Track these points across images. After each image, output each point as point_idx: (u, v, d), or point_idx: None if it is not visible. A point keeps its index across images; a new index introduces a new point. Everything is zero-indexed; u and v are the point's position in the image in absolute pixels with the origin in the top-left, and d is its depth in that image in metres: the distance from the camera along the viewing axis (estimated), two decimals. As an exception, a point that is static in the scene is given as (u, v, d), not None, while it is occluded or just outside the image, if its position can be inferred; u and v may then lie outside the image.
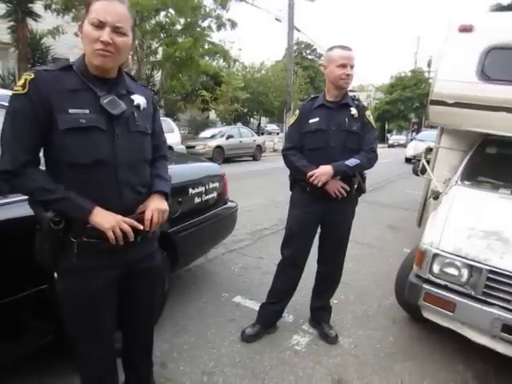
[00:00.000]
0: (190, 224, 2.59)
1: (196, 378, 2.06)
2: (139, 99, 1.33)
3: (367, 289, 3.24)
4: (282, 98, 21.26)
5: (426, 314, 2.27)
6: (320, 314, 2.52)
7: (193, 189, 2.62)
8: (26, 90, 1.14)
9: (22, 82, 1.15)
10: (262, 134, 27.54)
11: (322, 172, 2.07)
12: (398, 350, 2.39)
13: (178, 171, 2.72)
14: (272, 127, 37.19)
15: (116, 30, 1.16)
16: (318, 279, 2.50)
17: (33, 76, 1.15)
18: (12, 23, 12.49)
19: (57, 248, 1.24)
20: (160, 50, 15.53)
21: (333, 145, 2.15)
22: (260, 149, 15.80)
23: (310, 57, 41.06)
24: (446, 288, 2.14)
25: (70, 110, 1.16)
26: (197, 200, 2.67)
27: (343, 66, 2.05)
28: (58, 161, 1.21)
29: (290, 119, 2.32)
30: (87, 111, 1.18)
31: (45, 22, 12.81)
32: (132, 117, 1.29)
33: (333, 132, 2.15)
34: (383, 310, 2.89)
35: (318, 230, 2.35)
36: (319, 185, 2.08)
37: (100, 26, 1.14)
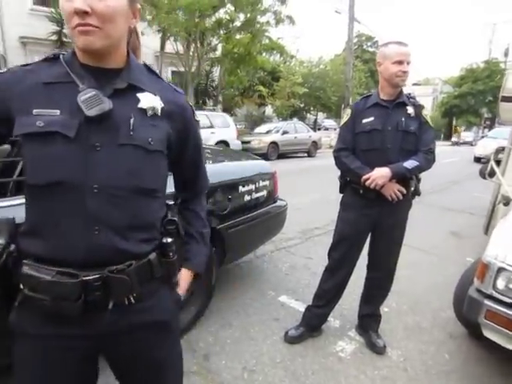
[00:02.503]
0: (239, 221, 2.60)
1: (237, 373, 2.08)
2: (150, 100, 0.90)
3: (422, 299, 3.04)
4: (340, 92, 20.77)
5: (487, 333, 2.08)
6: (368, 322, 2.42)
7: (243, 186, 2.63)
8: None
9: None
10: (319, 129, 27.10)
11: (379, 175, 1.97)
12: (453, 368, 2.22)
13: (229, 168, 2.76)
14: (329, 123, 36.32)
15: None
16: (367, 285, 2.39)
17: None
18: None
19: (2, 290, 0.90)
20: (219, 46, 15.85)
21: (389, 146, 2.04)
22: (316, 145, 15.54)
23: (371, 49, 39.48)
24: (511, 306, 1.94)
25: (35, 111, 0.83)
26: (246, 198, 2.68)
27: (399, 62, 1.94)
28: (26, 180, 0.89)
29: (342, 119, 2.23)
30: (57, 111, 0.83)
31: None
32: (126, 123, 0.86)
33: (389, 132, 2.04)
34: (439, 322, 2.70)
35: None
36: (377, 188, 1.99)
37: None
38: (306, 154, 15.10)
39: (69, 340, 0.89)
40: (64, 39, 12.93)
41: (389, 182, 2.00)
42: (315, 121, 28.05)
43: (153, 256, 0.93)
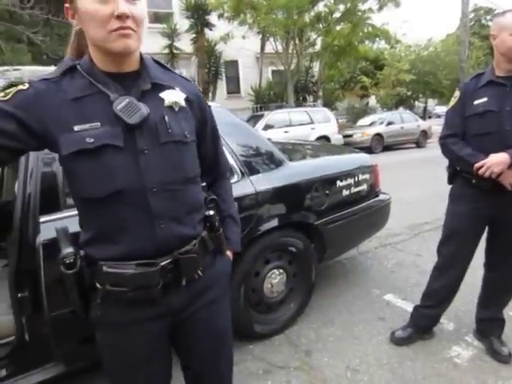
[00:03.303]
0: (338, 216, 2.55)
1: (339, 371, 2.04)
2: (173, 96, 0.96)
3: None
4: (454, 75, 18.72)
5: None
6: (488, 327, 2.15)
7: (341, 181, 2.57)
8: (6, 98, 0.84)
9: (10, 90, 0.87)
10: (430, 117, 24.93)
11: (496, 161, 1.74)
12: None
13: (326, 163, 2.73)
14: (441, 109, 33.20)
15: None
16: (485, 286, 2.14)
17: (22, 87, 0.86)
18: (193, 35, 14.68)
19: (79, 295, 0.95)
20: (318, 40, 15.69)
21: (507, 128, 1.78)
22: (425, 134, 14.31)
23: (490, 24, 34.88)
24: None
25: (76, 127, 0.85)
26: (345, 192, 2.61)
27: None
28: (73, 194, 0.94)
29: (450, 102, 2.02)
30: (98, 124, 0.86)
31: (217, 29, 14.60)
32: (162, 122, 0.92)
33: (508, 113, 1.78)
34: None
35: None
36: (493, 176, 1.76)
37: None
38: (414, 145, 14.03)
39: (148, 322, 0.98)
40: (175, 51, 14.22)
41: (508, 170, 1.75)
42: (425, 108, 25.88)
43: (204, 233, 1.05)
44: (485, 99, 1.83)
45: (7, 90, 0.85)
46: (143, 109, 0.88)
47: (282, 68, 15.67)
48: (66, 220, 1.48)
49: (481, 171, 1.78)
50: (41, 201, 1.51)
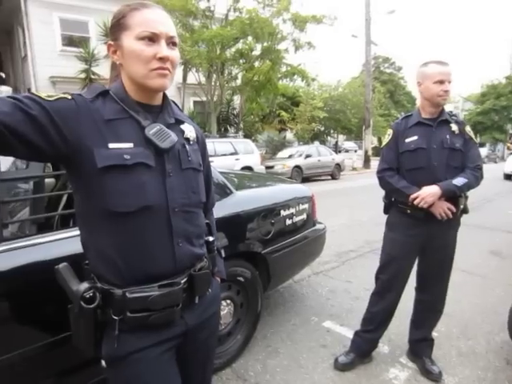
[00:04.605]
0: (282, 245, 2.61)
1: (291, 403, 2.02)
2: (189, 130, 1.09)
3: (472, 322, 2.92)
4: (360, 114, 20.82)
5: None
6: (420, 347, 2.33)
7: (284, 210, 2.64)
8: (50, 99, 0.87)
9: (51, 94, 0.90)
10: (339, 151, 27.09)
11: (429, 193, 1.96)
12: (516, 395, 2.10)
13: (270, 193, 2.79)
14: (349, 145, 36.50)
15: (170, 42, 0.96)
16: (417, 308, 2.33)
17: (67, 97, 0.90)
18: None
19: (94, 331, 0.96)
20: (240, 75, 16.29)
21: (435, 164, 2.03)
22: (339, 167, 15.50)
23: (388, 71, 39.79)
24: None
25: (111, 145, 0.91)
26: (288, 222, 2.68)
27: (441, 82, 1.95)
28: (89, 208, 0.94)
29: (384, 139, 2.24)
30: (131, 145, 0.93)
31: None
32: (184, 150, 1.03)
33: (434, 150, 2.03)
34: (493, 347, 2.57)
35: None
36: (425, 206, 1.96)
37: (153, 39, 0.93)
38: (330, 177, 15.06)
39: (165, 343, 1.00)
40: (92, 76, 13.60)
41: (438, 201, 1.98)
42: (336, 143, 28.10)
43: (205, 253, 1.13)
44: (415, 137, 2.07)
45: (51, 93, 0.89)
46: (173, 136, 0.99)
47: (204, 99, 15.86)
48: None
49: (416, 202, 1.98)
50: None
